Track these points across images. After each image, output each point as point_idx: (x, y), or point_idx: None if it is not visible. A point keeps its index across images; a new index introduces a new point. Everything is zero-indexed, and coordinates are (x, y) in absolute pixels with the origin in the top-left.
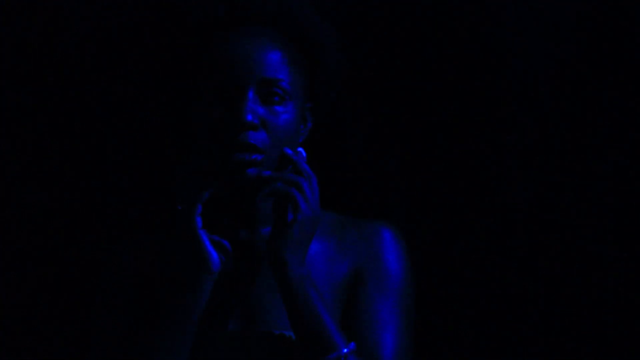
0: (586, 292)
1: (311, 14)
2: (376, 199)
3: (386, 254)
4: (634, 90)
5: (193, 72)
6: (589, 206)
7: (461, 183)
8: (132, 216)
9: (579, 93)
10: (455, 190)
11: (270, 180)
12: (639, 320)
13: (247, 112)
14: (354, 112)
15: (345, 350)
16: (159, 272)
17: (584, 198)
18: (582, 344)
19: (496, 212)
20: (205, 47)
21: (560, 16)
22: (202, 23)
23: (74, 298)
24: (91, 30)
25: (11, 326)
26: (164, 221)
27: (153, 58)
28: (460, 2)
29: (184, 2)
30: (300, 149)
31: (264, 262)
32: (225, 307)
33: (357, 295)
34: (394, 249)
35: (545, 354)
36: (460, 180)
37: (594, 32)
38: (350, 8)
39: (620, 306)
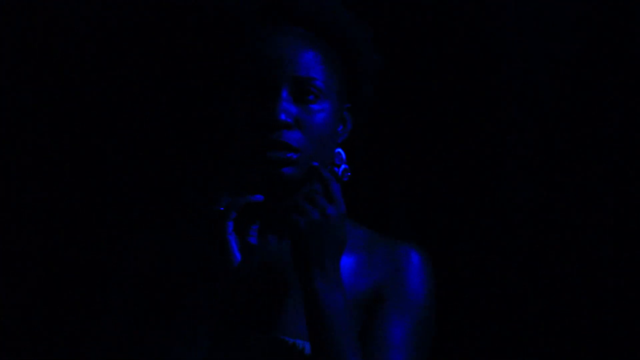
0: (586, 292)
1: (346, 13)
2: (376, 199)
3: (411, 277)
4: (634, 90)
5: (225, 70)
6: (589, 206)
7: (461, 183)
8: (149, 213)
9: (579, 93)
10: (455, 190)
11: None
12: (639, 320)
13: (281, 111)
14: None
15: None
16: (178, 270)
17: (584, 198)
18: (582, 344)
19: (496, 212)
20: (238, 45)
21: (560, 16)
22: (236, 20)
23: (77, 298)
24: (111, 27)
25: (11, 326)
26: (186, 220)
27: (181, 54)
28: (460, 2)
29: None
30: (339, 150)
31: (288, 268)
32: (243, 311)
33: (374, 313)
34: (420, 273)
35: (545, 354)
36: (459, 180)
37: (593, 32)
38: (350, 9)
39: (620, 306)
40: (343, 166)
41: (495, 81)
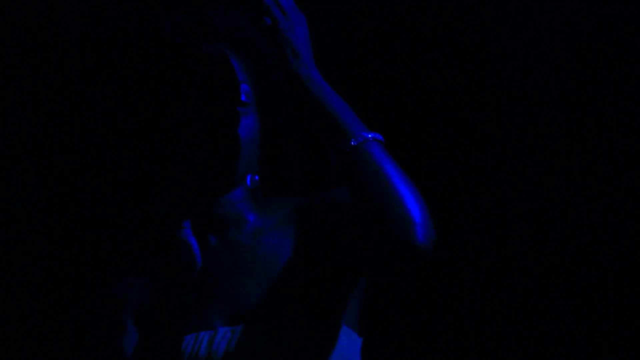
0: (586, 292)
1: (248, 27)
2: None
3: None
4: (634, 90)
5: (166, 77)
6: (589, 206)
7: (460, 183)
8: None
9: (579, 93)
10: (454, 191)
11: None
12: (639, 320)
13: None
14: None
15: (371, 135)
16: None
17: (584, 198)
18: (582, 344)
19: (496, 213)
20: (169, 63)
21: (560, 16)
22: (166, 43)
23: (73, 299)
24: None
25: (11, 326)
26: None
27: (139, 64)
28: (460, 2)
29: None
30: None
31: (237, 263)
32: (209, 308)
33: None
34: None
35: (545, 354)
36: (459, 180)
37: (593, 32)
38: (350, 9)
39: (620, 306)
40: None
41: (495, 81)
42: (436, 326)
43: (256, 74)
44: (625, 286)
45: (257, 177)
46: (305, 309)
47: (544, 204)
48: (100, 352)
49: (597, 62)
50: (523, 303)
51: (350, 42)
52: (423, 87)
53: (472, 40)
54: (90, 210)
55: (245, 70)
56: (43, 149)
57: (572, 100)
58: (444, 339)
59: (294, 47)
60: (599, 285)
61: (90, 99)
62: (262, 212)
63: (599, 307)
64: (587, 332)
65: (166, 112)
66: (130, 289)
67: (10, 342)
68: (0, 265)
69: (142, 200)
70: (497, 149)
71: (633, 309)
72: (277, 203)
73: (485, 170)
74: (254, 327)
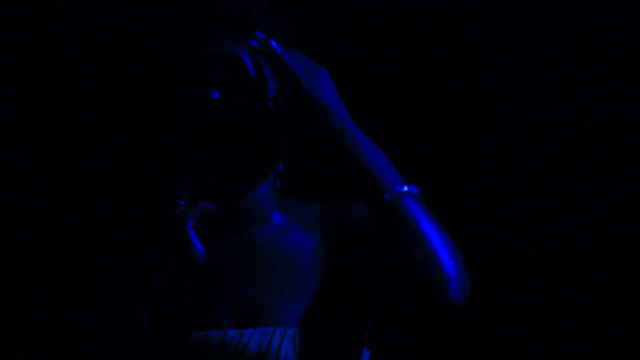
0: (586, 292)
1: (271, 19)
2: None
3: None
4: (634, 90)
5: (171, 83)
6: (589, 206)
7: (460, 183)
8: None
9: (579, 93)
10: (454, 191)
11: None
12: (639, 320)
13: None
14: (354, 113)
15: (406, 188)
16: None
17: (584, 198)
18: (582, 343)
19: (496, 213)
20: (181, 56)
21: (560, 16)
22: (178, 36)
23: (73, 299)
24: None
25: (11, 326)
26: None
27: (138, 65)
28: (460, 2)
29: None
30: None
31: (255, 262)
32: (220, 309)
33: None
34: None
35: (546, 354)
36: (459, 180)
37: (593, 32)
38: (350, 9)
39: (620, 306)
40: None
41: (495, 81)
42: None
43: (277, 69)
44: (626, 286)
45: (281, 167)
46: (321, 320)
47: (544, 204)
48: (108, 343)
49: (597, 62)
50: (523, 303)
51: (350, 42)
52: (423, 87)
53: (472, 40)
54: (100, 207)
55: (267, 66)
56: (63, 146)
57: (572, 100)
58: (447, 342)
59: (322, 104)
60: (599, 285)
61: (110, 96)
62: (285, 213)
63: (599, 307)
64: (587, 332)
65: (191, 107)
66: (140, 281)
67: (17, 335)
68: (19, 258)
69: (162, 196)
70: (497, 149)
71: (633, 309)
72: (299, 206)
73: (485, 170)
74: (264, 332)
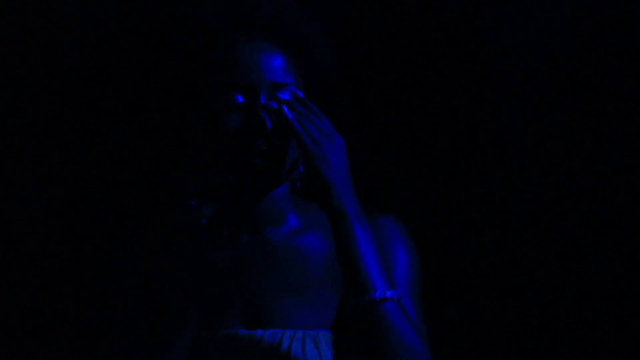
0: (586, 292)
1: (300, 16)
2: (376, 199)
3: (396, 244)
4: (634, 90)
5: (197, 77)
6: (589, 206)
7: (460, 183)
8: (132, 217)
9: (579, 93)
10: (454, 191)
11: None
12: (639, 320)
13: (265, 118)
14: (354, 113)
15: (389, 293)
16: (160, 271)
17: (584, 198)
18: (582, 343)
19: (496, 212)
20: (209, 52)
21: (560, 16)
22: (206, 30)
23: (74, 298)
24: (92, 32)
25: (11, 326)
26: (163, 219)
27: (156, 60)
28: (460, 2)
29: (184, 8)
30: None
31: (268, 263)
32: (231, 308)
33: None
34: (403, 239)
35: (545, 354)
36: (459, 180)
37: (593, 32)
38: (350, 9)
39: (620, 306)
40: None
41: (495, 81)
42: (436, 324)
43: (303, 68)
44: (626, 286)
45: (302, 169)
46: (330, 325)
47: (544, 204)
48: (119, 341)
49: (597, 62)
50: (522, 303)
51: (350, 42)
52: (423, 86)
53: (472, 40)
54: (114, 205)
55: (292, 66)
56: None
57: (572, 100)
58: (443, 338)
59: (323, 178)
60: (599, 285)
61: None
62: (302, 216)
63: (599, 307)
64: (587, 332)
65: (213, 107)
66: (153, 277)
67: (23, 330)
68: (31, 251)
69: (176, 195)
70: (497, 149)
71: (633, 309)
72: (318, 210)
73: (485, 170)
74: (273, 334)
